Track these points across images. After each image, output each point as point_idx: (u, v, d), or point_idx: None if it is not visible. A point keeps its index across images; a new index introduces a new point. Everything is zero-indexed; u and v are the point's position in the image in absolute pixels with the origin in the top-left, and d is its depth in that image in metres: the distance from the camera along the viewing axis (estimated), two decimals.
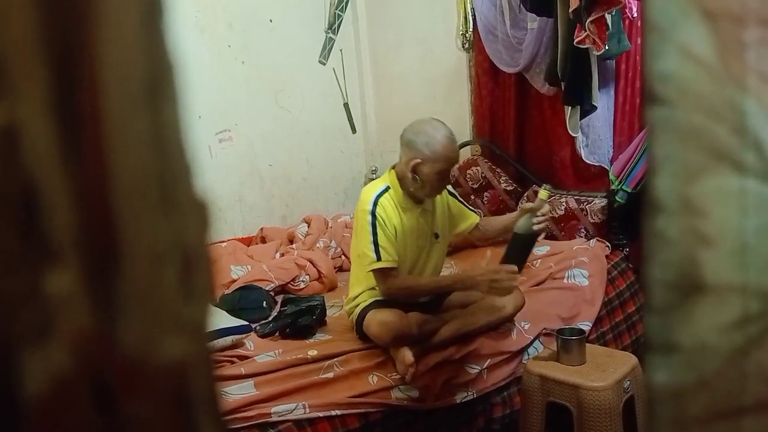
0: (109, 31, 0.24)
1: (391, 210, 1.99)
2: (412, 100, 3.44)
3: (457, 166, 2.11)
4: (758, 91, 0.34)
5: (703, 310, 0.35)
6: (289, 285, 2.59)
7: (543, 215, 1.81)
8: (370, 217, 1.94)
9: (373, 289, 2.04)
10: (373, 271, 1.95)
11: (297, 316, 2.14)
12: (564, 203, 2.83)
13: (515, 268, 1.81)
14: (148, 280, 0.26)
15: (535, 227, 1.80)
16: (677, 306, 0.35)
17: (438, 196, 2.08)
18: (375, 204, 1.96)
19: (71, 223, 0.23)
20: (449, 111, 3.27)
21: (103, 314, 0.25)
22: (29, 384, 0.24)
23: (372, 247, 1.93)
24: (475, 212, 2.18)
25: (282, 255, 2.74)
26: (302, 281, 2.61)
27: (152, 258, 0.26)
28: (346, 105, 3.46)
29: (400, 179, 1.99)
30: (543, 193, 1.81)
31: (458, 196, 2.19)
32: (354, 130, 3.56)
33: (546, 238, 2.84)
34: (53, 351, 0.24)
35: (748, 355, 0.34)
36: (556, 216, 2.84)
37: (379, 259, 1.93)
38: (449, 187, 2.12)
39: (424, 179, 1.93)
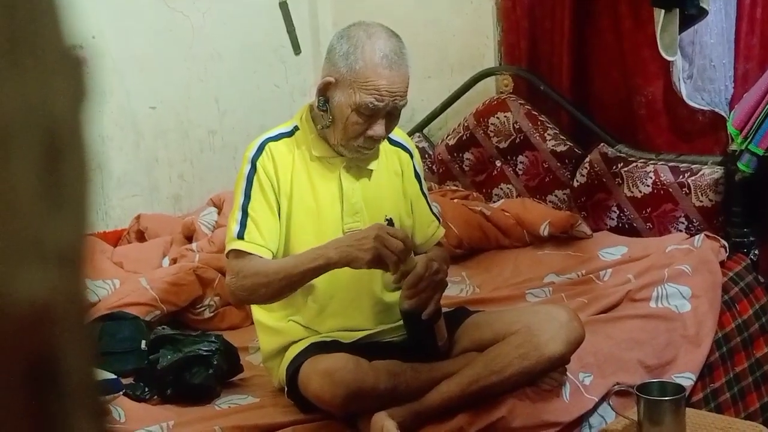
0: None
1: (286, 160, 1.88)
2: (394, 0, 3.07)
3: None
4: None
5: None
6: (187, 312, 2.42)
7: (410, 286, 1.71)
8: (247, 168, 1.85)
9: (294, 313, 1.90)
10: (229, 255, 1.82)
11: (180, 368, 2.01)
12: (651, 175, 2.55)
13: (399, 231, 1.77)
14: None
15: (406, 304, 1.74)
16: None
17: (394, 161, 1.96)
18: (260, 150, 1.86)
19: None
20: (460, 17, 2.99)
21: None
22: None
23: (239, 214, 1.81)
24: (438, 219, 2.08)
25: (174, 261, 2.58)
26: (208, 306, 2.47)
27: None
28: (283, 4, 3.18)
29: (315, 114, 1.89)
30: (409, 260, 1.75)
31: (426, 190, 2.07)
32: (298, 50, 3.31)
33: (624, 233, 2.60)
34: None
35: None
36: (638, 196, 2.57)
37: (241, 235, 1.79)
38: (418, 165, 2.02)
39: (335, 112, 1.81)
